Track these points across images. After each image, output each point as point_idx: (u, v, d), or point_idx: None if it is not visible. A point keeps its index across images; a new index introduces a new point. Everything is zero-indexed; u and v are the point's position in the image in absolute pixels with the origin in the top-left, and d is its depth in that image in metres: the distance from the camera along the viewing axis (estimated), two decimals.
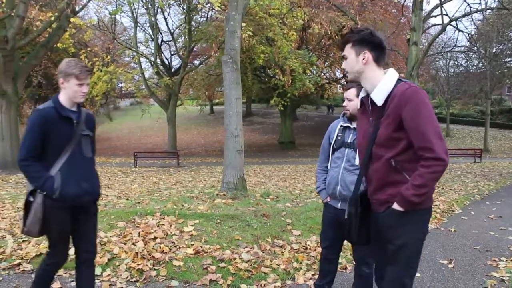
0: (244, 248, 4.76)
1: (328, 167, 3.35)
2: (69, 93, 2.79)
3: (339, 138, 3.24)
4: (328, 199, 3.35)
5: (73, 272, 4.03)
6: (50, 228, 2.79)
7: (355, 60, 2.30)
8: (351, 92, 3.13)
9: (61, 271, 4.06)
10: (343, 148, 3.20)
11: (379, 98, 2.25)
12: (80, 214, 2.90)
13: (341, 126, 3.27)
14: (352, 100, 3.13)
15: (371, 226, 2.43)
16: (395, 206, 2.22)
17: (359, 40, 2.29)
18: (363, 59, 2.28)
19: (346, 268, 4.44)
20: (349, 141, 3.18)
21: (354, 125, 3.19)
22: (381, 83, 2.26)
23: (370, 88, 2.31)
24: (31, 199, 2.74)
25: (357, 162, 3.11)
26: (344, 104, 3.19)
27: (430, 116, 2.14)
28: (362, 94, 2.41)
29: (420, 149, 2.14)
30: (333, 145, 3.27)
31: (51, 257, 2.94)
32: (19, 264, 4.17)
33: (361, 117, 2.46)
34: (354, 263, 3.41)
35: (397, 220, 2.24)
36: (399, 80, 2.26)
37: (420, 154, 2.15)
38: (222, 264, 4.28)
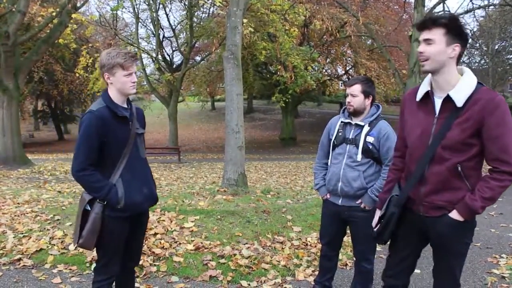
0: (244, 244, 4.77)
1: (329, 164, 3.34)
2: (118, 87, 2.52)
3: (340, 134, 3.22)
4: (328, 196, 3.34)
5: (74, 267, 4.08)
6: (107, 240, 2.52)
7: (443, 49, 2.09)
8: (356, 88, 3.12)
9: (61, 267, 4.08)
10: (345, 144, 3.19)
11: (460, 98, 2.10)
12: (135, 222, 2.68)
13: (342, 122, 3.25)
14: (357, 96, 3.12)
15: (403, 226, 2.39)
16: (455, 215, 2.17)
17: (455, 30, 2.09)
18: (453, 51, 2.10)
19: (346, 264, 4.44)
20: (350, 137, 3.16)
21: (355, 121, 3.18)
22: (463, 83, 2.12)
23: (444, 83, 2.16)
24: (88, 209, 2.48)
25: (359, 158, 3.11)
26: (348, 100, 3.17)
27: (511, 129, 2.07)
28: (425, 87, 2.24)
29: (496, 160, 2.08)
30: (333, 141, 3.26)
31: (102, 273, 2.63)
32: (19, 260, 4.18)
33: (417, 110, 2.29)
34: (355, 259, 3.41)
35: (457, 230, 2.21)
36: (479, 83, 2.15)
37: (494, 166, 2.09)
38: (222, 260, 4.29)
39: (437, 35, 2.09)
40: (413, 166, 2.29)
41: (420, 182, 2.25)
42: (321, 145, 3.44)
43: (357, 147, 3.11)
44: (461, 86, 2.11)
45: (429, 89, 2.22)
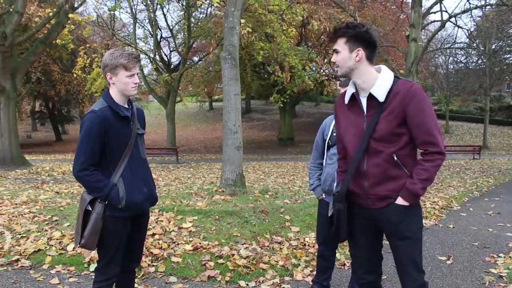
0: (242, 244, 4.77)
1: (323, 164, 3.35)
2: (119, 87, 2.51)
3: (335, 134, 3.23)
4: (323, 196, 3.35)
5: (72, 268, 4.07)
6: (108, 240, 2.52)
7: (348, 56, 2.29)
8: None
9: (59, 268, 4.07)
10: None
11: (380, 94, 2.26)
12: (136, 223, 2.68)
13: None
14: None
15: (358, 221, 2.47)
16: (400, 201, 2.29)
17: (354, 37, 2.27)
18: (357, 56, 2.28)
19: (344, 264, 4.45)
20: None
21: None
22: (381, 79, 2.29)
23: (363, 84, 2.32)
24: (89, 209, 2.47)
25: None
26: None
27: (432, 113, 2.25)
28: (350, 90, 2.39)
29: (424, 143, 2.25)
30: (328, 142, 3.27)
31: (103, 274, 2.60)
32: (17, 260, 4.17)
33: (348, 112, 2.43)
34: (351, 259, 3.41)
35: (404, 215, 2.31)
36: (395, 77, 2.32)
37: (424, 149, 2.26)
38: (221, 261, 4.29)
39: (340, 44, 2.31)
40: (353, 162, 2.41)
41: (362, 177, 2.36)
42: (316, 146, 3.45)
43: None
44: (380, 82, 2.28)
45: (354, 91, 2.38)
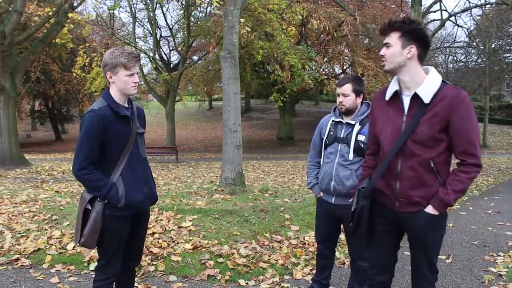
0: (242, 243, 4.77)
1: (321, 163, 3.35)
2: (119, 86, 2.51)
3: (332, 133, 3.23)
4: (321, 194, 3.36)
5: (72, 267, 4.07)
6: (108, 239, 2.52)
7: (399, 51, 2.24)
8: (347, 87, 3.13)
9: (59, 267, 4.07)
10: (336, 143, 3.20)
11: (427, 95, 2.21)
12: (136, 222, 2.68)
13: (333, 121, 3.27)
14: (348, 95, 3.13)
15: (379, 221, 2.46)
16: (430, 209, 2.27)
17: (409, 33, 2.23)
18: (409, 53, 2.23)
19: (344, 263, 4.45)
20: (342, 136, 3.18)
21: (346, 120, 3.20)
22: (428, 81, 2.24)
23: (409, 83, 2.28)
24: (89, 208, 2.47)
25: (351, 157, 3.12)
26: (339, 100, 3.18)
27: (477, 124, 2.22)
28: (394, 87, 2.34)
29: (463, 153, 2.20)
30: (325, 141, 3.27)
31: (103, 273, 2.61)
32: (17, 259, 4.18)
33: (387, 108, 2.39)
34: (350, 258, 3.42)
35: (433, 223, 2.30)
36: (443, 81, 2.27)
37: (462, 159, 2.22)
38: (220, 259, 4.29)
39: (393, 38, 2.25)
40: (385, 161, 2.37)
41: (394, 177, 2.33)
42: (313, 144, 3.46)
43: (349, 146, 3.12)
44: (427, 83, 2.24)
45: (397, 88, 2.33)
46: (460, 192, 2.22)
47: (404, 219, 2.37)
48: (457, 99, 2.17)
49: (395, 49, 2.25)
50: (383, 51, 2.30)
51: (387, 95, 2.38)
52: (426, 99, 2.21)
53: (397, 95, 2.34)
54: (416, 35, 2.23)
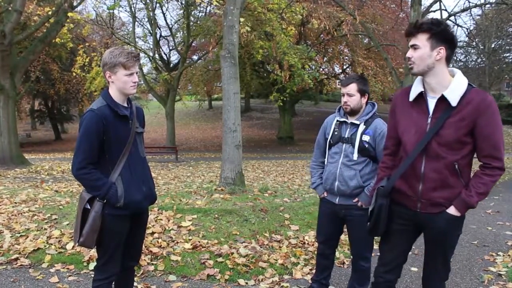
0: (242, 243, 4.77)
1: (325, 163, 3.34)
2: (118, 86, 2.51)
3: (336, 133, 3.22)
4: (325, 194, 3.35)
5: (72, 267, 4.07)
6: (107, 239, 2.53)
7: (428, 53, 2.21)
8: (352, 87, 3.12)
9: (59, 266, 4.07)
10: (341, 143, 3.19)
11: (454, 98, 2.20)
12: (136, 221, 2.69)
13: (337, 121, 3.26)
14: (353, 95, 3.12)
15: (396, 221, 2.45)
16: (453, 211, 2.28)
17: (439, 34, 2.19)
18: (438, 54, 2.21)
19: (343, 263, 4.45)
20: (346, 136, 3.17)
21: (350, 120, 3.18)
22: (456, 83, 2.23)
23: (435, 85, 2.26)
24: (88, 207, 2.48)
25: (355, 157, 3.12)
26: (344, 99, 3.17)
27: (501, 128, 2.26)
28: (418, 88, 2.32)
29: (488, 157, 2.22)
30: (329, 141, 3.26)
31: (102, 272, 2.62)
32: (16, 259, 4.18)
33: (411, 109, 2.36)
34: (352, 258, 3.42)
35: (454, 224, 2.33)
36: (469, 84, 2.26)
37: (487, 162, 2.24)
38: (220, 259, 4.29)
39: (421, 40, 2.21)
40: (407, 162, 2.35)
41: (417, 179, 2.32)
42: (317, 144, 3.44)
43: (353, 146, 3.11)
44: (455, 86, 2.22)
45: (422, 90, 2.30)
46: (483, 194, 2.24)
47: (425, 220, 2.37)
48: (484, 103, 2.18)
49: (423, 51, 2.21)
50: (410, 54, 2.27)
51: (411, 96, 2.35)
52: (454, 102, 2.20)
53: (421, 96, 2.31)
54: (445, 36, 2.20)
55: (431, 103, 2.28)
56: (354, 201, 3.17)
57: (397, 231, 2.47)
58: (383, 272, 2.59)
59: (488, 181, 2.23)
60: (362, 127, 3.12)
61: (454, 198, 2.27)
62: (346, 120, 3.21)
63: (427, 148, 2.26)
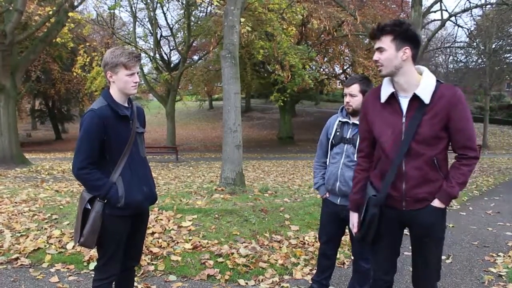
0: (242, 243, 4.77)
1: (327, 163, 3.35)
2: (119, 86, 2.51)
3: (338, 133, 3.22)
4: (327, 195, 3.35)
5: (72, 266, 4.07)
6: (107, 239, 2.53)
7: (394, 55, 2.24)
8: (355, 88, 3.12)
9: (59, 266, 4.07)
10: (342, 143, 3.19)
11: (426, 95, 2.23)
12: (136, 221, 2.68)
13: (340, 121, 3.26)
14: (356, 96, 3.12)
15: (389, 224, 2.46)
16: (437, 203, 2.34)
17: (402, 35, 2.22)
18: (404, 54, 2.23)
19: (344, 263, 4.45)
20: (348, 136, 3.17)
21: (353, 120, 3.18)
22: (426, 81, 2.26)
23: (405, 84, 2.29)
24: (88, 207, 2.48)
25: (356, 157, 3.11)
26: (346, 100, 3.17)
27: (471, 118, 2.32)
28: (389, 89, 2.34)
29: (464, 148, 2.30)
30: (331, 141, 3.26)
31: (103, 272, 2.61)
32: (17, 259, 4.18)
33: (382, 111, 2.38)
34: (353, 258, 3.41)
35: (439, 216, 2.39)
36: (437, 80, 2.30)
37: (463, 153, 2.31)
38: (220, 259, 4.29)
39: (386, 42, 2.24)
40: (388, 165, 2.36)
41: (400, 179, 2.35)
42: (320, 144, 3.45)
43: (355, 147, 3.11)
44: (425, 84, 2.26)
45: (393, 90, 2.32)
46: (463, 184, 2.31)
47: (411, 217, 2.40)
48: (455, 98, 2.22)
49: (389, 53, 2.24)
50: (377, 56, 2.28)
51: (382, 97, 2.37)
52: (427, 99, 2.23)
53: (393, 97, 2.33)
54: (409, 36, 2.22)
55: (404, 103, 2.31)
56: None
57: (386, 233, 2.49)
58: (381, 274, 2.59)
59: (466, 171, 2.31)
60: None
61: (436, 192, 2.32)
62: (348, 120, 3.21)
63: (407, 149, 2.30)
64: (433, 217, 2.36)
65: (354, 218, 2.63)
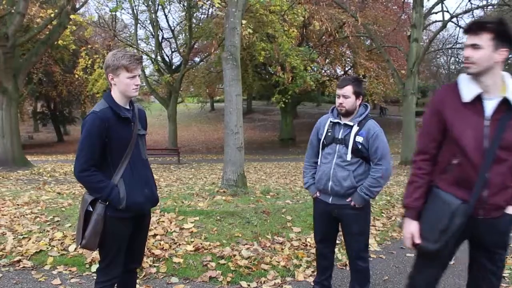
0: (244, 245, 4.77)
1: (318, 163, 3.36)
2: (120, 88, 2.52)
3: (329, 134, 3.25)
4: (318, 194, 3.36)
5: (74, 269, 4.07)
6: (109, 241, 2.53)
7: (490, 54, 2.06)
8: (348, 89, 3.15)
9: (61, 268, 4.08)
10: (334, 144, 3.22)
11: None
12: (138, 223, 2.69)
13: (331, 122, 3.28)
14: (349, 97, 3.15)
15: (460, 234, 2.28)
16: (511, 210, 2.24)
17: (505, 35, 2.05)
18: (500, 56, 2.08)
19: (346, 265, 4.44)
20: (340, 137, 3.19)
21: (344, 121, 3.21)
22: None
23: (493, 86, 2.14)
24: (90, 209, 2.48)
25: (348, 158, 3.13)
26: (339, 101, 3.19)
27: None
28: (474, 89, 2.16)
29: None
30: (323, 141, 3.29)
31: (105, 274, 2.61)
32: (19, 261, 4.18)
33: (464, 111, 2.19)
34: (349, 258, 3.41)
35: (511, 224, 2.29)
36: None
37: None
38: (222, 261, 4.29)
39: (484, 40, 2.06)
40: (472, 170, 2.19)
41: (481, 185, 2.18)
42: (310, 144, 3.46)
43: (347, 147, 3.14)
44: None
45: (481, 90, 2.15)
46: None
47: (484, 226, 2.25)
48: None
49: (485, 52, 2.06)
50: (470, 53, 2.10)
51: (466, 96, 2.18)
52: None
53: (477, 98, 2.16)
54: (509, 36, 2.06)
55: (489, 105, 2.14)
56: (347, 200, 3.18)
57: (452, 245, 2.31)
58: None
59: None
60: (355, 128, 3.15)
61: (510, 199, 2.23)
62: (340, 121, 3.23)
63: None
64: (508, 225, 2.25)
65: (413, 227, 2.34)
